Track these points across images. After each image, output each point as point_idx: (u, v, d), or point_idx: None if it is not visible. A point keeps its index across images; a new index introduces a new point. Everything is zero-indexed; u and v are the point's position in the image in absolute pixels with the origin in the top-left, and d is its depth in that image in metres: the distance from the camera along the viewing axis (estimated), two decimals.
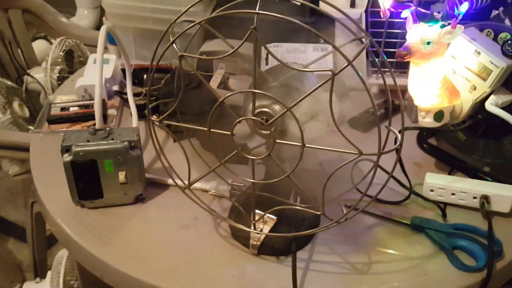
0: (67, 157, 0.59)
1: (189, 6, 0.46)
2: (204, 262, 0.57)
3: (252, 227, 0.53)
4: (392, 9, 0.58)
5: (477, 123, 0.64)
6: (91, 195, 0.62)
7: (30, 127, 1.12)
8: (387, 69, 0.43)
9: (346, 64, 0.38)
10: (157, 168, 0.71)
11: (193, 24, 0.44)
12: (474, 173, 0.68)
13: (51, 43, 1.68)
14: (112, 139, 0.60)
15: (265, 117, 0.47)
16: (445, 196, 0.63)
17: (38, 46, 1.55)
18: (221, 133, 0.48)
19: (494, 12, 0.71)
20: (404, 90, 0.85)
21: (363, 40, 0.43)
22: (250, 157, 0.47)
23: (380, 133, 0.41)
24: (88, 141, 0.60)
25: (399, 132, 0.43)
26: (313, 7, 0.40)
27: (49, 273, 1.09)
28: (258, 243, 0.56)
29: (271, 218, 0.56)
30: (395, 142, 0.60)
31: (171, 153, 0.75)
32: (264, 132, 0.47)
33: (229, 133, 0.46)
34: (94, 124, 0.78)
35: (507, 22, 0.69)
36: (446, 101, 0.60)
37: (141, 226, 0.62)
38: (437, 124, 0.62)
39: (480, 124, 0.64)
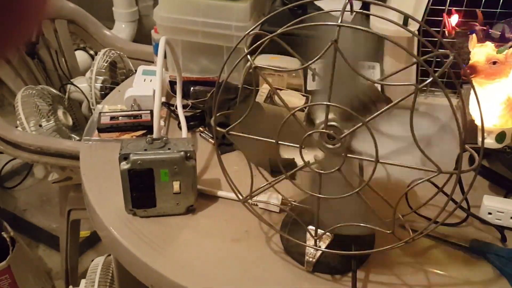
0: (125, 165, 0.59)
1: (265, 18, 0.46)
2: (258, 277, 0.56)
3: (313, 243, 0.52)
4: (457, 28, 0.58)
5: None
6: (145, 203, 0.62)
7: (72, 135, 1.14)
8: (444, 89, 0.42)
9: (431, 78, 0.38)
10: (206, 179, 0.71)
11: (269, 37, 0.44)
12: None
13: (89, 54, 1.72)
14: (169, 149, 0.61)
15: (332, 131, 0.46)
16: (503, 219, 0.62)
17: (77, 57, 1.59)
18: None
19: None
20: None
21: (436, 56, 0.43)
22: (318, 171, 0.46)
23: (461, 152, 0.40)
24: (145, 150, 0.60)
25: (476, 151, 0.42)
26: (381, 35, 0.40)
27: (83, 281, 1.09)
28: (314, 260, 0.55)
29: (327, 235, 0.56)
30: (456, 162, 0.59)
31: (217, 165, 0.75)
32: (331, 146, 0.46)
33: (297, 146, 0.46)
34: (145, 134, 0.79)
35: None
36: (510, 122, 0.58)
37: (193, 237, 0.61)
38: (498, 146, 0.60)
39: None
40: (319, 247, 0.53)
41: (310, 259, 0.55)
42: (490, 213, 0.62)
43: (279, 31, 0.44)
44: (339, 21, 0.39)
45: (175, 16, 0.86)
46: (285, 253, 0.59)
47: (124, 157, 0.59)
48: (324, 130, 0.44)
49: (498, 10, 0.75)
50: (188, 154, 0.60)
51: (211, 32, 0.86)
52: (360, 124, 0.41)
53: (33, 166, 1.87)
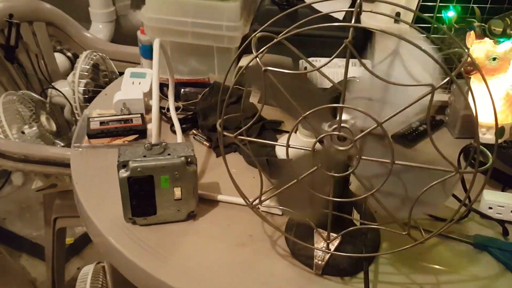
0: (124, 173, 0.57)
1: (273, 19, 0.45)
2: (266, 282, 0.55)
3: (322, 246, 0.52)
4: (456, 26, 0.58)
5: None
6: (145, 211, 0.60)
7: (56, 141, 1.10)
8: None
9: (447, 77, 0.37)
10: (204, 183, 0.69)
11: (275, 40, 0.43)
12: None
13: (67, 56, 1.67)
14: (169, 154, 0.59)
15: (342, 133, 0.46)
16: (504, 213, 0.62)
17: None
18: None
19: None
20: (445, 105, 0.85)
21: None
22: (331, 174, 0.45)
23: (478, 150, 0.40)
24: (144, 156, 0.58)
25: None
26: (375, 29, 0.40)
27: None
28: (323, 262, 0.54)
29: (335, 237, 0.55)
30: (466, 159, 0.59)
31: (215, 168, 0.74)
32: (342, 148, 0.45)
33: (310, 149, 0.45)
34: (137, 138, 0.77)
35: None
36: (510, 117, 0.59)
37: (196, 244, 0.60)
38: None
39: None
40: (329, 249, 0.53)
41: (319, 262, 0.54)
42: (490, 208, 0.62)
43: (285, 32, 0.43)
44: (353, 21, 0.39)
45: (163, 17, 0.84)
46: (292, 256, 0.58)
47: (123, 165, 0.57)
48: (336, 133, 0.44)
49: (488, 6, 0.76)
50: (189, 159, 0.59)
51: (201, 33, 0.84)
52: (375, 125, 0.40)
53: (11, 174, 1.81)
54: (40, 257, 1.51)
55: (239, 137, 0.48)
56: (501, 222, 0.62)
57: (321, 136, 0.44)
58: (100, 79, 1.22)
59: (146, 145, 0.59)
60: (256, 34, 0.45)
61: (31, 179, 1.16)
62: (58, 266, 1.25)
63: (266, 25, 0.45)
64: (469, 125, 0.73)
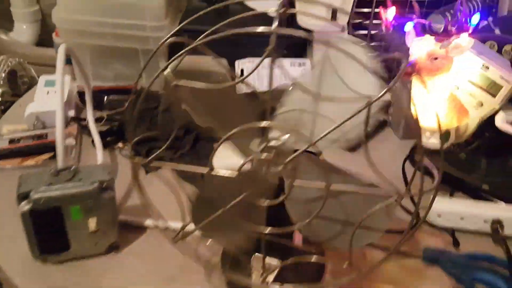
0: (25, 206, 0.48)
1: (184, 22, 0.38)
2: None
3: (260, 277, 0.46)
4: (393, 22, 0.53)
5: (482, 141, 0.60)
6: (55, 248, 0.52)
7: None
8: None
9: (385, 89, 0.32)
10: (130, 206, 0.61)
11: (192, 45, 0.36)
12: (474, 193, 0.64)
13: None
14: (80, 179, 0.51)
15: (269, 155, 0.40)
16: (453, 221, 0.59)
17: None
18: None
19: (483, 23, 0.68)
20: (388, 105, 0.81)
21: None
22: (261, 202, 0.39)
23: (422, 173, 0.35)
24: (50, 184, 0.50)
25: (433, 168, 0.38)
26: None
27: None
28: None
29: (274, 264, 0.49)
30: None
31: (146, 186, 0.66)
32: (274, 170, 0.39)
33: (235, 171, 0.38)
34: (53, 157, 0.68)
35: (497, 32, 0.66)
36: (455, 120, 0.55)
37: (120, 282, 0.52)
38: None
39: (485, 142, 0.61)
40: (267, 283, 0.47)
41: None
42: (439, 215, 0.59)
43: (202, 37, 0.37)
44: (275, 25, 0.32)
45: (78, 18, 0.75)
46: None
47: (23, 196, 0.49)
48: (263, 154, 0.37)
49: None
50: (104, 185, 0.51)
51: (123, 34, 0.76)
52: (307, 146, 0.35)
53: None
54: None
55: (152, 165, 0.41)
56: (451, 232, 0.58)
57: (249, 159, 0.37)
58: (19, 87, 1.10)
59: (51, 171, 0.50)
60: (166, 40, 0.38)
61: None
62: None
63: (175, 31, 0.38)
64: (413, 125, 0.69)
